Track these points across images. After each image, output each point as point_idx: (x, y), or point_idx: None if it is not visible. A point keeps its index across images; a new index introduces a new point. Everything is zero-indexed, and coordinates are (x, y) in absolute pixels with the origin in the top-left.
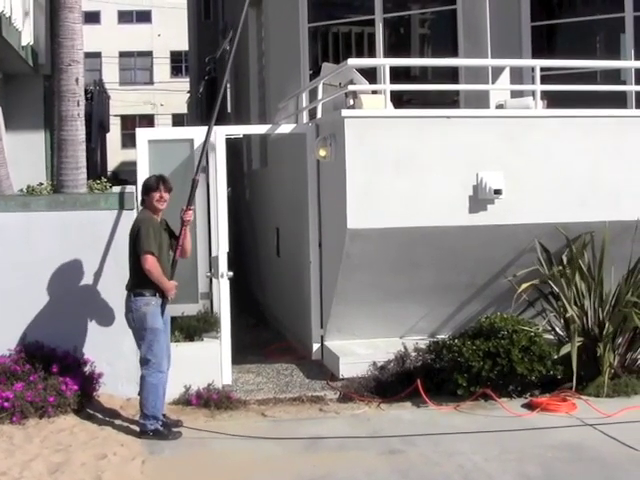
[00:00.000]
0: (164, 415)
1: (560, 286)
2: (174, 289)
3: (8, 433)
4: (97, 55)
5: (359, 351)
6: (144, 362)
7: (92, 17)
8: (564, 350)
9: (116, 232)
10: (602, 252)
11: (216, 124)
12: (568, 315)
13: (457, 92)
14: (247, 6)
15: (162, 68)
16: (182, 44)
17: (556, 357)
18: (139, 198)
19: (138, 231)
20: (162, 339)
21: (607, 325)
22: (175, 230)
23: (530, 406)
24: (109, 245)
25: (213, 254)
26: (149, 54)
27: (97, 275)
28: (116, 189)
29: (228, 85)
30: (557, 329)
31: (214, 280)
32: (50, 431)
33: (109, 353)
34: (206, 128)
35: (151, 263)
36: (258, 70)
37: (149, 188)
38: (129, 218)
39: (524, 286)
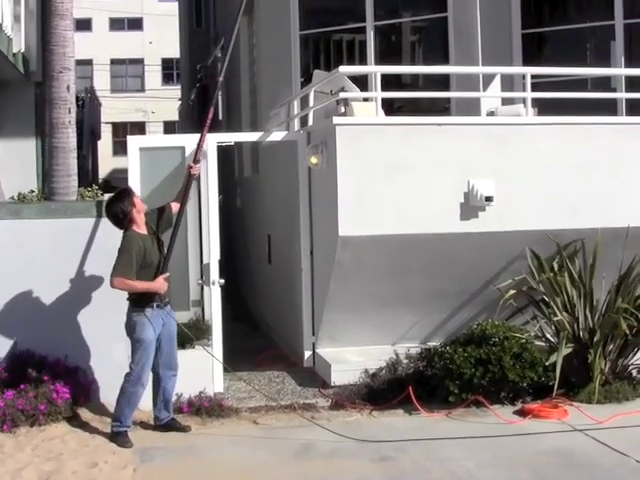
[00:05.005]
0: (173, 419)
1: (550, 292)
2: (163, 284)
3: None
4: (88, 62)
5: (351, 358)
6: (129, 369)
7: (83, 24)
8: (553, 358)
9: (107, 240)
10: (593, 259)
11: (207, 131)
12: (557, 321)
13: (448, 99)
14: (240, 17)
15: (153, 75)
16: (173, 51)
17: (547, 364)
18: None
19: (118, 254)
20: (149, 351)
21: (598, 331)
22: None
23: (522, 413)
24: (100, 253)
25: (204, 261)
26: (140, 61)
27: (88, 283)
28: (107, 197)
29: (219, 92)
30: (548, 335)
31: (205, 287)
32: (41, 439)
33: (100, 361)
34: (198, 135)
35: (118, 284)
36: (249, 77)
37: (124, 210)
38: None
39: (511, 293)
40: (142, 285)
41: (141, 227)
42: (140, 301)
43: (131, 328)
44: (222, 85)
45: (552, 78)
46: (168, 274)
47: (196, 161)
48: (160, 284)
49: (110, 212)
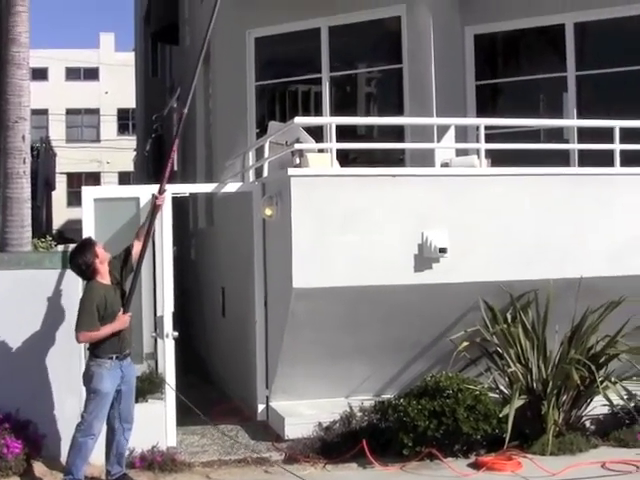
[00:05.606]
0: (125, 474)
1: (504, 344)
2: (124, 318)
3: None
4: (44, 112)
5: (305, 412)
6: (80, 418)
7: (39, 74)
8: (506, 410)
9: (61, 292)
10: (546, 310)
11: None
12: (511, 372)
13: (403, 150)
14: (200, 65)
15: (109, 126)
16: (129, 102)
17: (501, 416)
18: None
19: (80, 306)
20: (104, 402)
21: (551, 383)
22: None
23: (476, 465)
24: (54, 305)
25: (158, 314)
26: (96, 111)
27: (41, 336)
28: (61, 248)
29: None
30: (502, 387)
31: (159, 340)
32: None
33: (52, 415)
34: (154, 186)
35: (83, 338)
36: (205, 128)
37: (87, 262)
38: (73, 277)
39: (464, 344)
40: (106, 330)
41: (105, 277)
42: (99, 351)
43: (88, 378)
44: (184, 119)
45: (506, 129)
46: (130, 313)
47: (161, 191)
48: (121, 320)
49: (73, 264)
